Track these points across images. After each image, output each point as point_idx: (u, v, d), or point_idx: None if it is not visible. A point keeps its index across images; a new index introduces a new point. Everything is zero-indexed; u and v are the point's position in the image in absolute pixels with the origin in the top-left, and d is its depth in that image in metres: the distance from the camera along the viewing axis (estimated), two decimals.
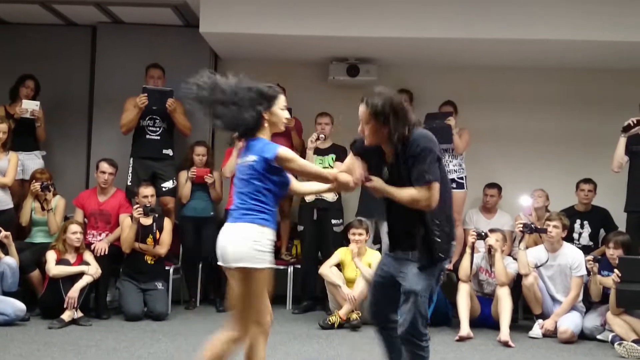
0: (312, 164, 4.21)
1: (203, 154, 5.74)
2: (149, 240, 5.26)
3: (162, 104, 5.57)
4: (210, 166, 5.82)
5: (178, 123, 5.77)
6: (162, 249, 5.33)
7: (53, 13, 6.00)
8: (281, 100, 3.04)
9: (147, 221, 5.27)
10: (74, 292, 4.85)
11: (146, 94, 5.52)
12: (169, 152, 5.78)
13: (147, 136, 5.72)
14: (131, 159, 5.73)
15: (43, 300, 5.04)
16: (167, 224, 5.41)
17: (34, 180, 5.33)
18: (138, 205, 5.23)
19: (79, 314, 4.90)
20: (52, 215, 5.35)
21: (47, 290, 5.00)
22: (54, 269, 4.94)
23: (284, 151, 2.90)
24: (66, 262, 5.00)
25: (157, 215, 5.35)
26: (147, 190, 5.31)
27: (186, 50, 6.17)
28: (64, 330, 4.72)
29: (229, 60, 6.52)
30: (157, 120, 5.73)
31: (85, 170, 6.26)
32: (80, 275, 4.94)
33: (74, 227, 5.06)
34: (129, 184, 5.70)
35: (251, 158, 2.90)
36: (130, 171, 5.70)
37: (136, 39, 6.21)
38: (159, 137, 5.74)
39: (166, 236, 5.36)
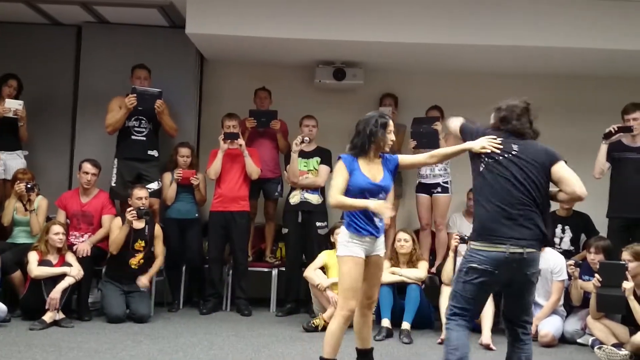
0: None
1: (187, 156, 5.72)
2: (138, 244, 5.21)
3: (150, 105, 5.54)
4: (195, 167, 5.81)
5: (165, 124, 5.76)
6: (159, 261, 5.35)
7: (38, 12, 5.96)
8: None
9: (139, 224, 5.22)
10: (56, 293, 4.82)
11: (135, 95, 5.49)
12: (154, 153, 5.75)
13: (133, 137, 5.69)
14: (116, 160, 5.70)
15: (24, 301, 4.99)
16: (158, 231, 5.38)
17: (17, 181, 5.28)
18: (132, 208, 5.17)
19: (61, 315, 4.87)
20: (34, 215, 5.30)
21: (28, 291, 4.95)
22: (35, 269, 4.90)
23: None
24: (48, 263, 4.96)
25: (149, 217, 5.28)
26: (141, 192, 5.25)
27: (172, 51, 6.16)
28: (46, 331, 4.68)
29: (215, 62, 6.53)
30: (143, 121, 5.71)
31: (68, 170, 6.21)
32: (62, 276, 4.91)
33: (57, 228, 5.03)
34: (113, 184, 5.67)
35: None
36: (114, 172, 5.67)
37: (121, 40, 6.18)
38: (144, 138, 5.71)
39: (160, 246, 5.35)
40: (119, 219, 5.25)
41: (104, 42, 6.19)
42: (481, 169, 3.28)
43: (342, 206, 3.58)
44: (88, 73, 6.21)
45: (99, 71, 6.14)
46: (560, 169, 3.26)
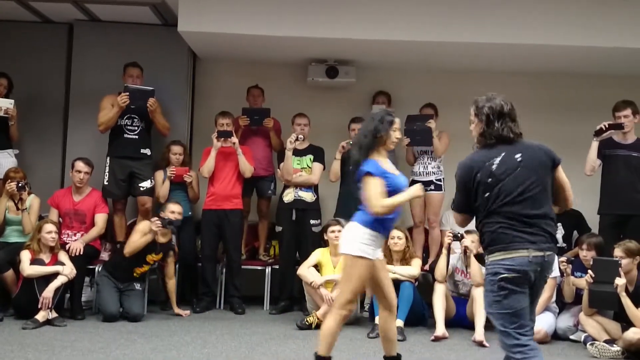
0: None
1: (180, 153, 5.71)
2: (150, 257, 5.20)
3: (143, 103, 5.52)
4: (188, 165, 5.80)
5: (157, 123, 5.74)
6: (172, 280, 5.35)
7: (29, 10, 5.92)
8: None
9: (163, 239, 5.20)
10: (49, 292, 4.80)
11: (128, 93, 5.47)
12: (147, 151, 5.73)
13: (125, 135, 5.67)
14: (108, 159, 5.68)
15: (17, 300, 4.97)
16: (172, 257, 5.36)
17: (8, 180, 5.26)
18: (157, 218, 5.14)
19: (54, 314, 4.85)
20: (26, 214, 5.28)
21: (21, 290, 4.93)
22: (28, 268, 4.88)
23: None
24: (41, 262, 4.94)
25: (173, 228, 5.21)
26: (175, 207, 5.25)
27: (164, 49, 6.14)
28: (38, 330, 4.66)
29: (208, 60, 6.51)
30: (136, 120, 5.69)
31: (61, 169, 6.18)
32: (54, 275, 4.89)
33: (49, 227, 5.01)
34: (105, 183, 5.64)
35: None
36: (107, 170, 5.64)
37: (114, 38, 6.15)
38: (137, 137, 5.69)
39: (172, 268, 5.34)
40: (146, 223, 5.19)
41: (96, 40, 6.16)
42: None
43: (393, 207, 3.43)
44: (80, 71, 6.17)
45: (91, 69, 6.11)
46: (561, 172, 3.18)
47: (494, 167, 2.98)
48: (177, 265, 5.70)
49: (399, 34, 5.52)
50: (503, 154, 3.01)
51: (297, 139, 5.56)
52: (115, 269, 5.24)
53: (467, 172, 3.04)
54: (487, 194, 2.96)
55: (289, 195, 5.66)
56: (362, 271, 3.43)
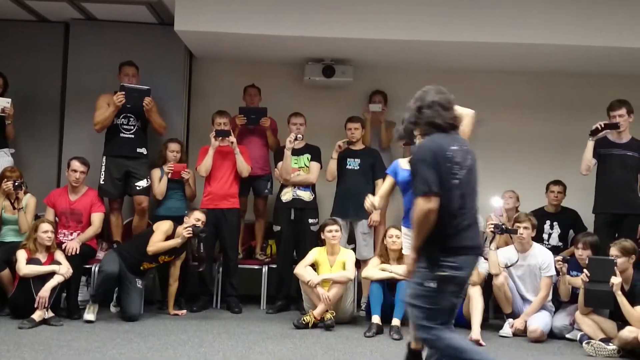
0: None
1: (177, 151, 5.71)
2: (162, 257, 5.21)
3: (139, 102, 5.51)
4: (185, 163, 5.79)
5: (154, 122, 5.73)
6: (175, 283, 5.35)
7: (25, 9, 5.91)
8: None
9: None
10: (45, 291, 4.78)
11: (124, 92, 5.47)
12: (143, 150, 5.72)
13: (121, 134, 5.65)
14: (104, 158, 5.66)
15: (13, 300, 4.96)
16: (182, 258, 5.35)
17: (5, 179, 5.24)
18: (189, 225, 5.15)
19: (50, 313, 4.83)
20: (22, 214, 5.26)
21: (17, 289, 4.91)
22: (24, 268, 4.86)
23: None
24: (37, 262, 4.93)
25: (203, 237, 5.22)
26: (200, 215, 5.25)
27: (161, 48, 6.13)
28: (35, 330, 4.64)
29: (205, 59, 6.51)
30: (132, 119, 5.68)
31: (57, 168, 6.15)
32: (51, 274, 4.87)
33: (45, 226, 4.99)
34: (101, 182, 5.63)
35: None
36: (103, 170, 5.63)
37: (110, 37, 6.13)
38: (133, 136, 5.67)
39: (177, 269, 5.34)
40: (168, 224, 5.20)
41: (92, 39, 6.14)
42: None
43: None
44: (76, 70, 6.16)
45: (87, 68, 6.10)
46: None
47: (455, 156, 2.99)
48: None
49: (396, 33, 5.53)
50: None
51: (296, 139, 5.56)
52: (128, 254, 5.19)
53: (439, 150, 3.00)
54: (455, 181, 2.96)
55: (287, 195, 5.66)
56: None
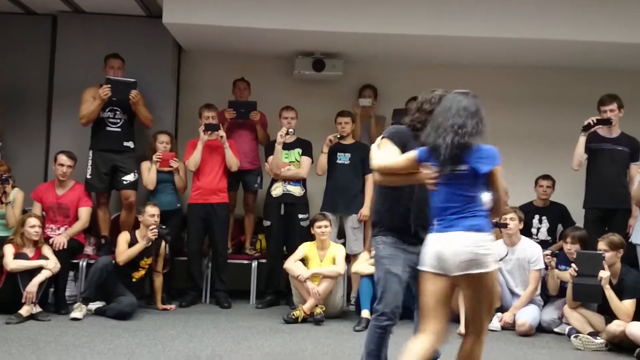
0: None
1: (167, 142, 5.66)
2: (144, 261, 5.18)
3: (125, 95, 5.47)
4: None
5: (140, 115, 5.68)
6: (159, 277, 5.30)
7: (12, 1, 5.83)
8: None
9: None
10: (33, 286, 4.75)
11: (109, 85, 5.42)
12: (130, 144, 5.67)
13: (108, 128, 5.60)
14: (90, 152, 5.61)
15: (0, 295, 4.90)
16: (163, 249, 5.30)
17: None
18: (153, 227, 5.11)
19: (38, 309, 4.80)
20: (10, 208, 5.21)
21: (4, 284, 4.87)
22: (11, 263, 4.82)
23: None
24: (24, 256, 4.89)
25: (169, 238, 5.24)
26: (154, 210, 5.20)
27: (149, 41, 6.09)
28: (22, 325, 4.61)
29: (193, 52, 6.47)
30: (118, 112, 5.63)
31: (44, 162, 6.10)
32: (38, 269, 4.84)
33: (33, 221, 4.95)
34: (88, 177, 5.58)
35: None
36: (89, 164, 5.58)
37: (97, 29, 6.08)
38: (119, 129, 5.63)
39: (161, 263, 5.31)
40: (126, 234, 5.19)
41: (79, 32, 6.08)
42: None
43: None
44: (64, 63, 6.10)
45: (75, 61, 6.04)
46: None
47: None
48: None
49: (386, 28, 5.51)
50: None
51: (287, 133, 5.53)
52: (117, 270, 5.15)
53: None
54: None
55: (277, 190, 5.64)
56: None
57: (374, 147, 3.19)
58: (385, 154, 3.06)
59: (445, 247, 2.80)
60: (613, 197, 5.20)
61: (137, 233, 5.20)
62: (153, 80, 5.96)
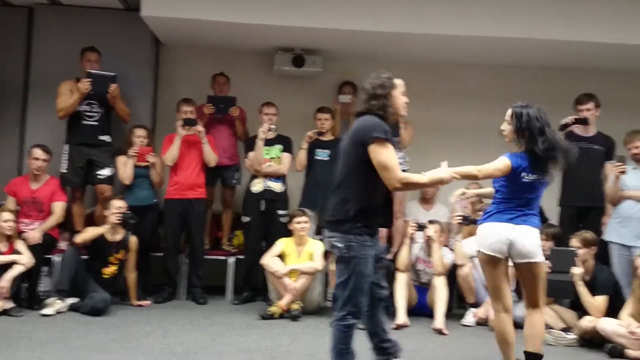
0: None
1: (144, 137, 5.60)
2: (113, 258, 5.12)
3: (104, 89, 5.41)
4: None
5: (119, 109, 5.63)
6: (132, 273, 5.24)
7: None
8: None
9: (116, 237, 5.13)
10: (5, 281, 4.70)
11: (90, 79, 5.35)
12: (106, 138, 5.61)
13: (84, 122, 5.53)
14: (66, 146, 5.54)
15: None
16: (134, 243, 5.24)
17: None
18: (118, 212, 5.06)
19: (11, 304, 4.75)
20: None
21: None
22: None
23: None
24: None
25: (134, 222, 5.17)
26: (120, 203, 5.16)
27: (127, 34, 6.03)
28: None
29: (172, 46, 6.42)
30: (95, 105, 5.56)
31: (18, 156, 6.02)
32: (11, 264, 4.78)
33: (6, 215, 4.89)
34: (64, 171, 5.52)
35: None
36: (65, 158, 5.51)
37: (75, 22, 6.00)
38: (96, 123, 5.56)
39: (133, 259, 5.24)
40: (98, 228, 5.15)
41: (56, 24, 6.00)
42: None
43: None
44: (40, 56, 6.02)
45: (52, 54, 5.96)
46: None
47: None
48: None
49: (366, 24, 5.51)
50: None
51: (269, 129, 5.51)
52: (88, 265, 5.12)
53: None
54: None
55: (257, 186, 5.62)
56: None
57: (391, 156, 3.13)
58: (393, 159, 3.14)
59: (517, 237, 3.37)
60: (588, 195, 5.25)
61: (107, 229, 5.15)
62: (131, 74, 5.89)
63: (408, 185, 3.22)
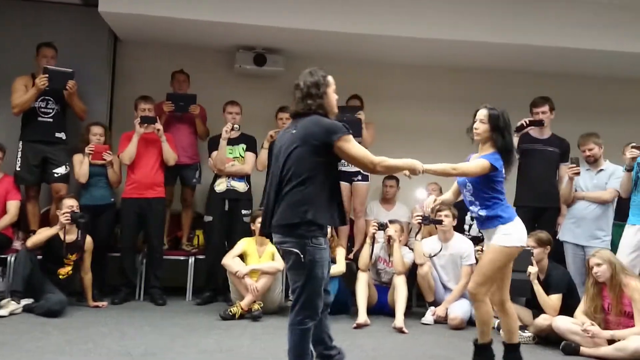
0: None
1: (100, 134, 5.48)
2: (68, 259, 4.99)
3: (61, 85, 5.29)
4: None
5: (75, 106, 5.50)
6: (88, 274, 5.12)
7: None
8: None
9: (70, 237, 4.98)
10: None
11: (47, 75, 5.21)
12: (62, 135, 5.48)
13: (39, 118, 5.40)
14: (20, 143, 5.40)
15: None
16: (89, 244, 5.11)
17: None
18: (67, 212, 4.92)
19: None
20: None
21: None
22: None
23: None
24: None
25: (84, 221, 5.01)
26: (72, 202, 5.03)
27: (84, 30, 5.92)
28: None
29: (130, 42, 6.31)
30: (51, 102, 5.43)
31: None
32: None
33: None
34: (17, 169, 5.37)
35: None
36: (19, 155, 5.36)
37: (31, 17, 5.87)
38: (51, 120, 5.43)
39: (88, 261, 5.11)
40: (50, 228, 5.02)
41: (11, 18, 5.86)
42: None
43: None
44: None
45: (6, 49, 5.81)
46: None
47: None
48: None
49: (326, 25, 5.54)
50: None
51: (232, 129, 5.47)
52: (42, 266, 4.98)
53: None
54: None
55: (221, 185, 5.56)
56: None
57: (359, 146, 3.18)
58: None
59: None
60: (543, 196, 5.37)
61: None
62: (87, 70, 5.76)
63: (388, 168, 3.27)
